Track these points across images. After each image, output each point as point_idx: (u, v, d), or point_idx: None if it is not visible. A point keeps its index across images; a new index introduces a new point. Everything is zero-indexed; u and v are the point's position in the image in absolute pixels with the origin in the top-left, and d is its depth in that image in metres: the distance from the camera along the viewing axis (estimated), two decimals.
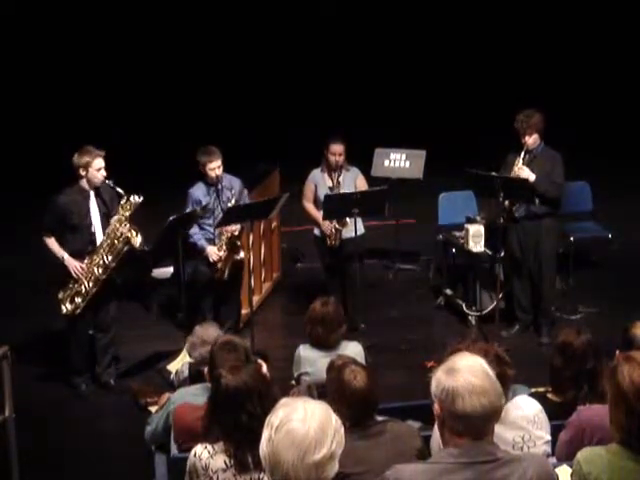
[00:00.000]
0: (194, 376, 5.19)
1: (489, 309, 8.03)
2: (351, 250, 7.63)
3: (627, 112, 13.41)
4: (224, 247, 7.51)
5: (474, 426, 2.81)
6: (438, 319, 8.44)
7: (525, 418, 4.00)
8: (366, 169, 8.64)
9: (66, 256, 6.79)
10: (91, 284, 6.80)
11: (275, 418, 2.58)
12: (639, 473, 3.18)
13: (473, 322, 8.09)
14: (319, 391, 4.91)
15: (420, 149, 9.39)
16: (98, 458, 6.23)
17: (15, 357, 5.41)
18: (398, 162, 9.34)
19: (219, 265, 7.50)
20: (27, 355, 7.27)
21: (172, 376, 6.10)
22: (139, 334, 8.02)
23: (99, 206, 6.85)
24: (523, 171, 7.39)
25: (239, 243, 7.58)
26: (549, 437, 4.06)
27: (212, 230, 7.55)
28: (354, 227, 7.40)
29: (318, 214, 7.75)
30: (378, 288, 8.93)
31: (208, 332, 5.12)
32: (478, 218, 8.21)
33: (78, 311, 6.83)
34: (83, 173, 6.74)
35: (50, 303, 7.00)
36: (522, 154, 7.44)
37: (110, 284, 6.93)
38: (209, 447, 3.76)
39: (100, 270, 6.78)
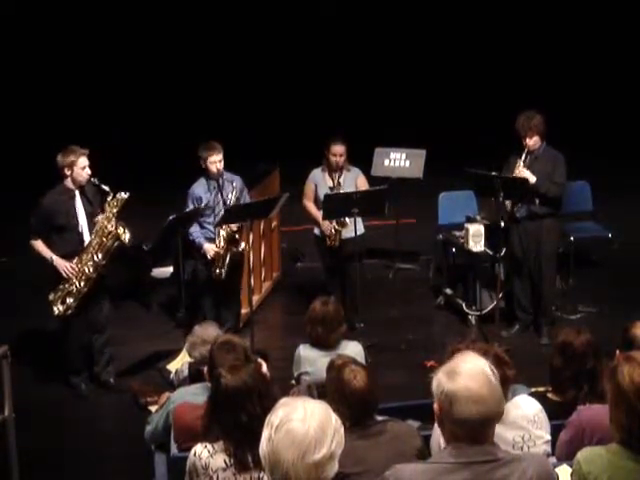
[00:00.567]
0: (194, 375, 5.19)
1: (489, 309, 8.03)
2: (351, 250, 7.63)
3: (627, 112, 13.41)
4: (222, 243, 7.49)
5: (472, 430, 2.81)
6: (438, 319, 8.44)
7: (525, 418, 4.00)
8: (366, 169, 8.63)
9: (54, 257, 6.75)
10: (82, 283, 6.75)
11: (275, 418, 2.57)
12: (639, 473, 3.18)
13: (473, 322, 8.09)
14: (319, 391, 4.91)
15: (420, 149, 9.39)
16: (98, 458, 6.23)
17: (15, 357, 5.40)
18: (398, 161, 9.34)
19: (216, 263, 7.48)
20: (27, 355, 7.27)
21: (172, 375, 6.10)
22: (139, 334, 8.03)
23: (85, 205, 6.83)
24: (524, 173, 7.39)
25: (237, 236, 7.55)
26: (549, 437, 4.06)
27: (212, 229, 7.54)
28: (354, 227, 7.40)
29: (318, 214, 7.75)
30: (378, 288, 8.93)
31: (208, 331, 5.12)
32: (478, 218, 8.21)
33: (70, 311, 6.78)
34: (68, 172, 6.72)
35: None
36: (523, 156, 7.44)
37: (100, 283, 6.90)
38: (209, 446, 3.76)
39: (90, 269, 6.74)
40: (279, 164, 9.30)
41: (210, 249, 7.47)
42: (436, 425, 3.10)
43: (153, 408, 5.79)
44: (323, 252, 8.00)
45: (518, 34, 14.56)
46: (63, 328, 6.96)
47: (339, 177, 7.79)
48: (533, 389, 4.66)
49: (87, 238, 6.80)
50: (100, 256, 6.75)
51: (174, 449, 4.57)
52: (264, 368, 4.64)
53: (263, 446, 2.57)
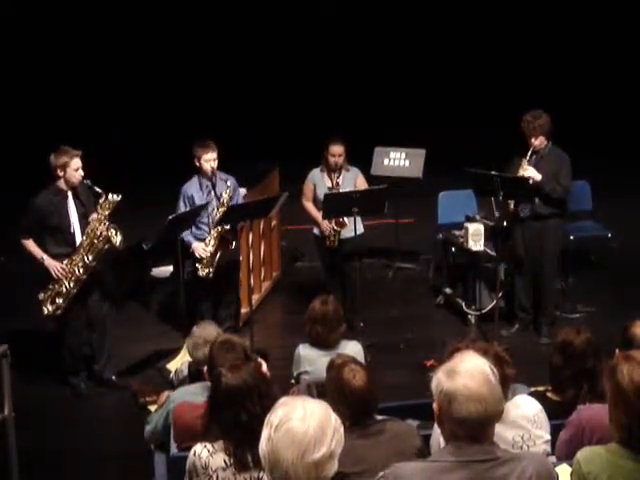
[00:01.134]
0: (193, 375, 5.19)
1: (489, 308, 8.02)
2: (351, 249, 7.63)
3: (627, 112, 13.40)
4: (212, 242, 7.47)
5: (471, 429, 2.81)
6: (438, 318, 8.44)
7: (525, 417, 4.00)
8: (366, 168, 8.64)
9: (46, 257, 6.76)
10: (72, 284, 6.76)
11: (275, 417, 2.57)
12: (639, 472, 3.18)
13: (473, 321, 8.09)
14: (319, 390, 4.90)
15: (420, 148, 9.39)
16: (98, 457, 6.23)
17: (15, 357, 5.40)
18: (398, 161, 9.33)
19: (204, 262, 7.46)
20: (27, 355, 7.26)
21: (171, 375, 6.10)
22: (139, 333, 8.02)
23: (77, 206, 6.83)
24: (529, 172, 7.38)
25: (229, 236, 7.53)
26: (549, 436, 4.06)
27: (207, 229, 7.53)
28: (354, 226, 7.40)
29: (318, 214, 7.75)
30: (378, 287, 8.93)
31: (207, 331, 5.11)
32: (478, 217, 8.21)
33: (59, 312, 6.79)
34: (61, 173, 6.72)
35: None
36: (528, 154, 7.42)
37: (96, 283, 6.91)
38: (209, 446, 3.76)
39: (81, 270, 6.74)
40: (279, 164, 9.29)
41: (199, 248, 7.46)
42: (436, 424, 3.09)
43: (153, 408, 5.79)
44: (323, 252, 8.00)
45: (518, 34, 14.55)
46: (61, 329, 6.96)
47: (338, 177, 7.79)
48: (533, 388, 4.67)
49: (79, 239, 6.81)
50: (90, 258, 6.75)
51: (174, 449, 4.57)
52: (264, 367, 4.64)
53: (263, 445, 2.57)
